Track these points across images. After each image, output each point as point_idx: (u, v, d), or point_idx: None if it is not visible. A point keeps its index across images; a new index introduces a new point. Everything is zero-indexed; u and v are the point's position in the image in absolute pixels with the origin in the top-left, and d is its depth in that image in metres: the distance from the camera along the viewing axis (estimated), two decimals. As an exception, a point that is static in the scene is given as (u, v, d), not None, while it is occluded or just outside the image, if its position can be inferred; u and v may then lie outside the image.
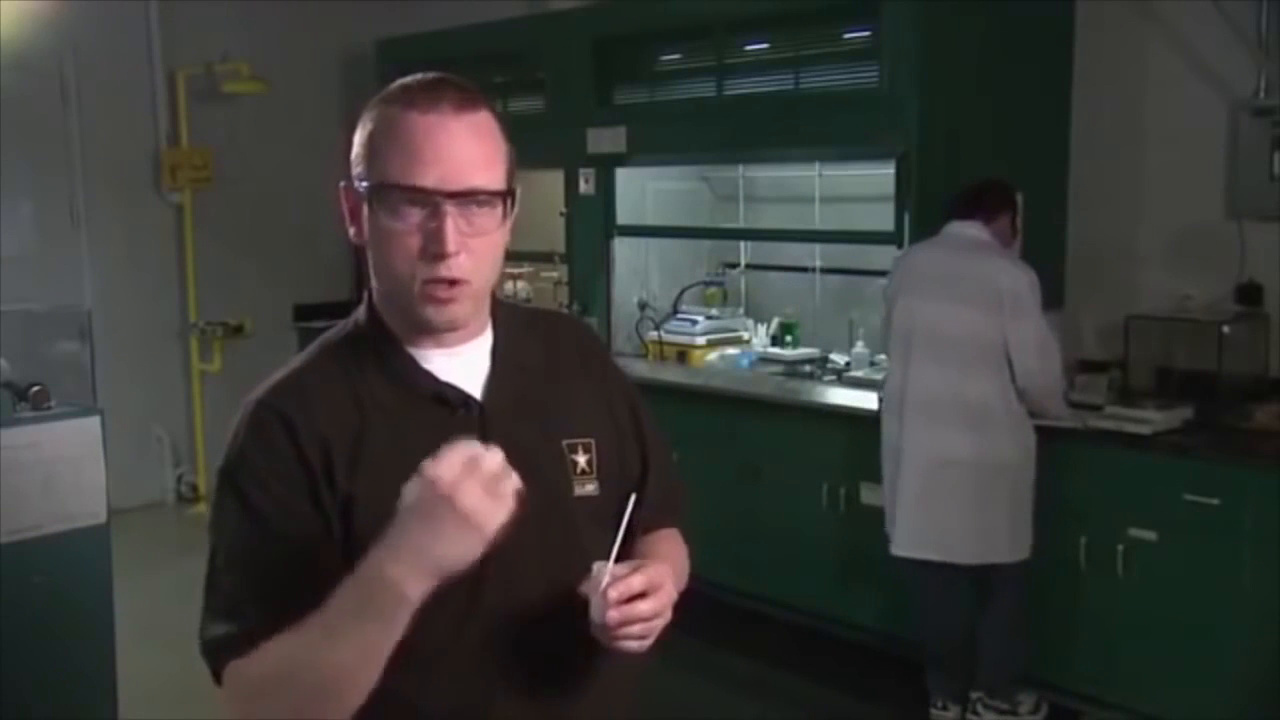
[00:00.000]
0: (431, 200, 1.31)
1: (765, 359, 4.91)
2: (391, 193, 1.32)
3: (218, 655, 1.32)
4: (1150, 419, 3.70)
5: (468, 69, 6.73)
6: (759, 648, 4.53)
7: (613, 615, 1.29)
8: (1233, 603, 3.50)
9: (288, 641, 1.25)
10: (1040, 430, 3.73)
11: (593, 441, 1.47)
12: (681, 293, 5.24)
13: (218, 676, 1.34)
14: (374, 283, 1.42)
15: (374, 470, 1.34)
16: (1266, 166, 3.97)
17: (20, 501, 3.14)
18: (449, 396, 1.39)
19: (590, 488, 1.45)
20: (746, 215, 5.36)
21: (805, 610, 4.53)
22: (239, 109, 6.57)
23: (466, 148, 1.32)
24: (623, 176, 5.17)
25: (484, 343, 1.44)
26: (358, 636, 1.22)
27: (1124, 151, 4.39)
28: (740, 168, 5.29)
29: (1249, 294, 4.03)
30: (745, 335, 5.12)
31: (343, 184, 1.40)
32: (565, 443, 1.45)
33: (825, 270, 5.10)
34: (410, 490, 1.20)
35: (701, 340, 4.99)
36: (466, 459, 1.19)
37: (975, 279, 3.66)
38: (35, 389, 3.24)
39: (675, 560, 1.53)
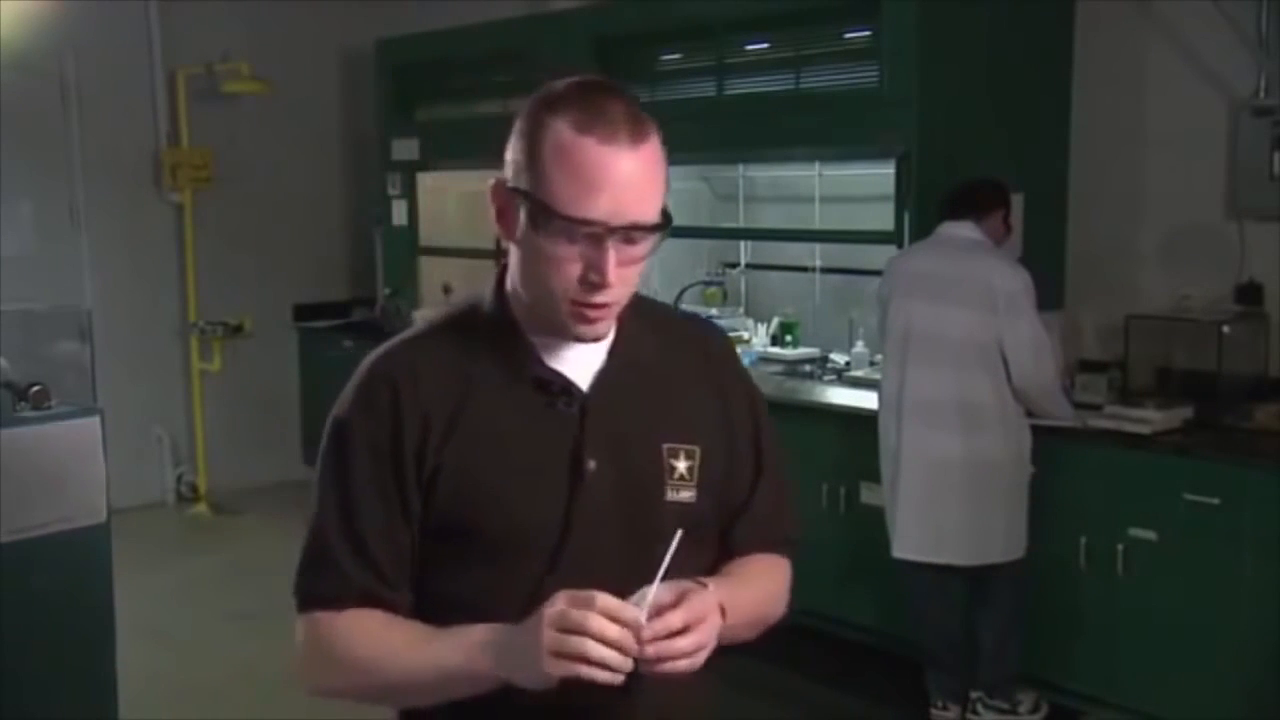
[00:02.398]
0: (595, 231, 1.31)
1: (765, 359, 4.91)
2: (556, 219, 1.31)
3: (307, 601, 1.42)
4: (1150, 419, 3.70)
5: (468, 69, 6.71)
6: (760, 648, 4.52)
7: (648, 651, 1.27)
8: (1233, 603, 3.50)
9: (381, 643, 1.37)
10: (1040, 430, 3.73)
11: (697, 449, 1.45)
12: (681, 292, 5.23)
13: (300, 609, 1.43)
14: (515, 281, 1.42)
15: (466, 442, 1.38)
16: (1266, 166, 3.96)
17: (20, 501, 3.14)
18: (551, 382, 1.41)
19: (686, 495, 1.44)
20: (746, 215, 5.36)
21: (805, 610, 4.52)
22: (239, 109, 6.58)
23: (636, 182, 1.33)
24: (623, 176, 5.15)
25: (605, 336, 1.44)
26: (441, 683, 1.34)
27: (1124, 151, 4.39)
28: (740, 168, 5.29)
29: (1249, 294, 4.03)
30: (745, 335, 5.12)
31: (493, 181, 1.39)
32: (667, 446, 1.44)
33: (825, 270, 5.10)
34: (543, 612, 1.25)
35: (701, 340, 4.98)
36: (589, 606, 1.22)
37: (969, 280, 3.66)
38: (35, 389, 3.24)
39: (758, 588, 1.54)
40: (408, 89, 6.27)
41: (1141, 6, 4.30)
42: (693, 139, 4.89)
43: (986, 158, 4.07)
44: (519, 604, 1.32)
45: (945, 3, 4.14)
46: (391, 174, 6.32)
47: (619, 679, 1.22)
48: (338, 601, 1.39)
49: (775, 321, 5.07)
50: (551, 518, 1.38)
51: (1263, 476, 3.44)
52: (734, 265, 5.44)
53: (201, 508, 6.46)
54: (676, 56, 5.16)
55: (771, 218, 5.31)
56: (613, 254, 1.32)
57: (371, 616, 1.38)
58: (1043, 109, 4.43)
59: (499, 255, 1.47)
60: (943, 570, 3.77)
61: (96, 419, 3.34)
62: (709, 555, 1.49)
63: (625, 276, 1.35)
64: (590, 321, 1.37)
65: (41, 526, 3.20)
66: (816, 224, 5.02)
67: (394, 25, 6.32)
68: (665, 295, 5.26)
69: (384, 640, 1.37)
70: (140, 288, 6.44)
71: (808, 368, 4.81)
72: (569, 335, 1.39)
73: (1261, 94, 4.00)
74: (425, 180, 6.19)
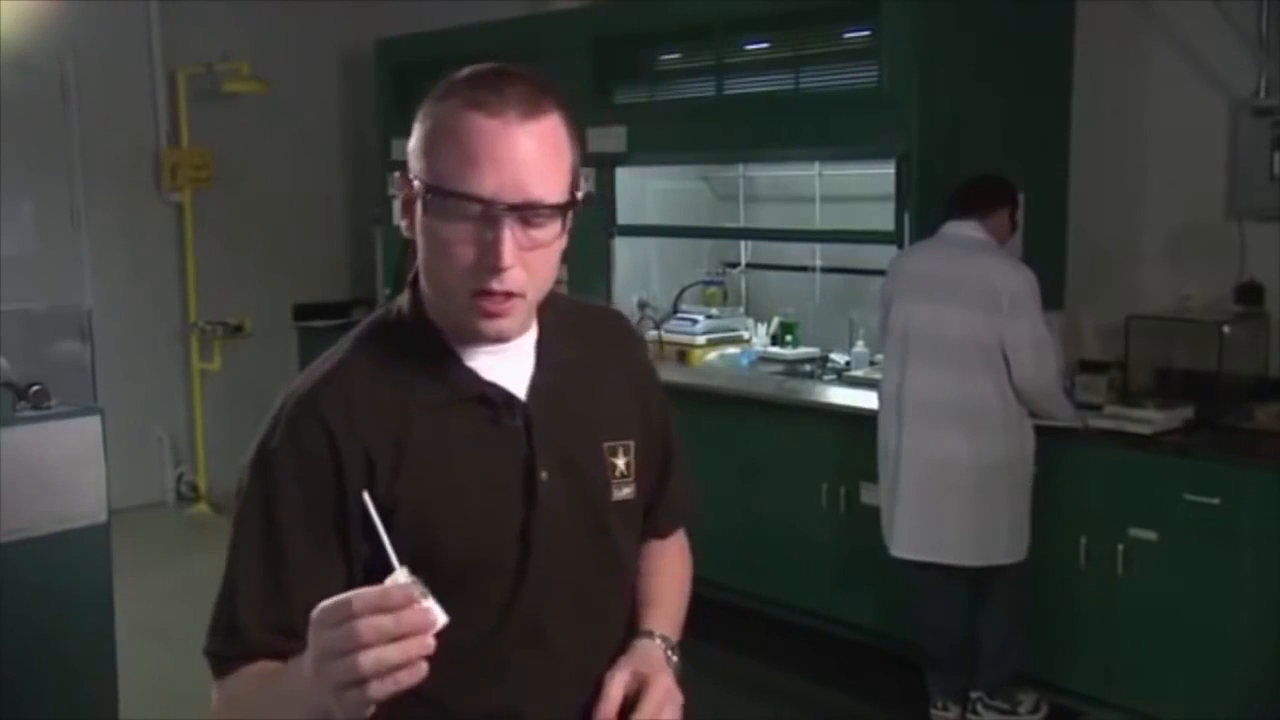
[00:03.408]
0: (488, 210, 1.24)
1: (765, 359, 4.91)
2: (446, 198, 1.25)
3: (212, 665, 1.32)
4: (1150, 419, 3.70)
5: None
6: (759, 648, 4.53)
7: None
8: (1233, 603, 3.50)
9: (255, 699, 1.26)
10: (1040, 430, 3.73)
11: (631, 444, 1.43)
12: (682, 292, 5.24)
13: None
14: (422, 278, 1.36)
15: (417, 473, 1.31)
16: (1266, 166, 3.97)
17: (20, 501, 3.14)
18: (493, 398, 1.34)
19: (627, 491, 1.42)
20: (746, 215, 5.36)
21: (805, 610, 4.53)
22: (239, 109, 6.57)
23: (528, 157, 1.24)
24: (623, 176, 5.17)
25: (528, 338, 1.39)
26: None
27: (1124, 151, 4.39)
28: (740, 168, 5.29)
29: (1249, 294, 4.03)
30: (745, 335, 5.13)
31: (398, 173, 1.34)
32: (606, 445, 1.42)
33: (825, 270, 5.10)
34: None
35: (702, 340, 4.99)
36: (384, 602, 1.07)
37: (972, 280, 3.66)
38: (35, 389, 3.24)
39: (682, 586, 1.56)
40: (408, 89, 6.27)
41: (1141, 6, 4.31)
42: (693, 139, 4.90)
43: (986, 158, 4.07)
44: (487, 629, 1.31)
45: (945, 3, 4.14)
46: (391, 174, 6.32)
47: (423, 670, 1.06)
48: (239, 660, 1.29)
49: (775, 321, 5.07)
50: (510, 537, 1.33)
51: (1263, 476, 3.44)
52: (734, 265, 5.44)
53: (201, 508, 6.47)
54: (676, 56, 5.16)
55: (771, 218, 5.31)
56: (508, 234, 1.24)
57: (262, 670, 1.28)
58: (1043, 109, 4.44)
59: (408, 252, 1.40)
60: (944, 571, 3.76)
61: (96, 419, 3.34)
62: (637, 540, 1.50)
63: (530, 263, 1.27)
64: (492, 315, 1.28)
65: (42, 526, 3.21)
66: (816, 224, 5.03)
67: (394, 25, 6.32)
68: (665, 295, 5.28)
69: (257, 694, 1.27)
70: (140, 288, 6.44)
71: (808, 368, 4.80)
72: (469, 331, 1.31)
73: (1261, 94, 4.00)
74: (425, 180, 6.18)
